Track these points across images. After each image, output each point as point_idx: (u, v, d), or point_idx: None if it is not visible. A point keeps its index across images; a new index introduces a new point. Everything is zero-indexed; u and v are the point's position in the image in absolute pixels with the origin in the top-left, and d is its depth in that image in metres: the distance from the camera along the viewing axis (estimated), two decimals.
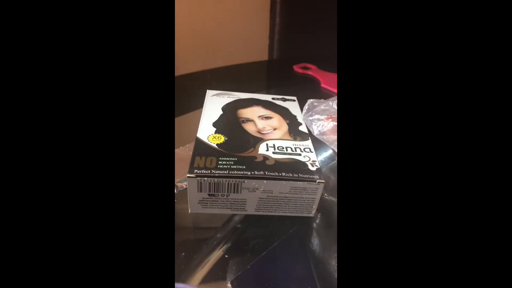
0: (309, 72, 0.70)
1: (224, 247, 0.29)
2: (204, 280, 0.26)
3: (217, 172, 0.27)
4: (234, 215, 0.31)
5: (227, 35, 0.97)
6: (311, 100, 0.43)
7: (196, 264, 0.27)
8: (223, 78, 0.71)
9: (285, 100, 0.42)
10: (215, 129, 0.34)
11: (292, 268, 0.27)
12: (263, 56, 0.95)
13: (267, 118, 0.37)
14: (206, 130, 0.33)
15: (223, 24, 0.96)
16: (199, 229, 0.31)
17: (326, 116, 0.38)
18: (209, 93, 0.43)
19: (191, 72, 0.73)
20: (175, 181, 0.34)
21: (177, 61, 0.97)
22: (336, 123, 0.36)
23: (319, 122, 0.38)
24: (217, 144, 0.31)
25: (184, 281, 0.26)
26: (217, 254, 0.28)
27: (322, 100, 0.42)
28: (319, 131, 0.38)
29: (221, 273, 0.26)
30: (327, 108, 0.40)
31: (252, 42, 0.97)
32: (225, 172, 0.27)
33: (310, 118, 0.40)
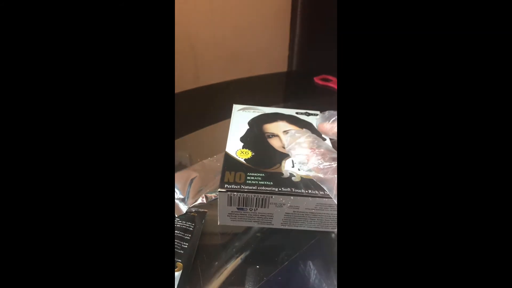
0: (330, 84, 0.71)
1: (244, 255, 0.31)
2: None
3: (246, 187, 0.28)
4: None
5: (247, 46, 0.99)
6: (293, 131, 0.36)
7: (216, 270, 0.29)
8: (245, 90, 0.73)
9: (308, 114, 0.44)
10: (242, 144, 0.35)
11: (314, 279, 0.29)
12: (283, 67, 0.97)
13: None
14: (234, 145, 0.35)
15: (243, 35, 0.98)
16: (223, 235, 0.33)
17: (310, 149, 0.32)
18: (235, 107, 0.44)
19: (213, 83, 0.75)
20: (205, 191, 0.36)
21: (199, 72, 1.00)
22: (321, 159, 0.30)
23: (302, 157, 0.32)
24: (245, 159, 0.33)
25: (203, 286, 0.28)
26: (236, 262, 0.30)
27: (304, 130, 0.37)
28: (307, 168, 0.31)
29: (241, 282, 0.28)
30: (309, 138, 0.34)
31: (272, 53, 0.99)
32: (254, 187, 0.28)
33: (293, 151, 0.33)
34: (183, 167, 0.42)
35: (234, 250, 0.31)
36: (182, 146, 0.48)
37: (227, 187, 0.28)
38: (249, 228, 0.33)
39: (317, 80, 0.74)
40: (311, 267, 0.30)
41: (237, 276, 0.29)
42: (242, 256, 0.31)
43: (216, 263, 0.30)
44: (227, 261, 0.30)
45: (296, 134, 0.35)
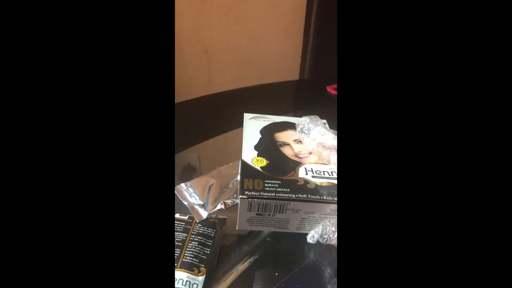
0: None
1: (258, 260, 0.32)
2: None
3: (265, 194, 0.30)
4: None
5: (260, 53, 1.01)
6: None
7: (235, 274, 0.31)
8: (258, 98, 0.74)
9: None
10: (256, 152, 0.37)
11: (327, 286, 0.30)
12: (295, 75, 0.98)
13: (302, 142, 0.40)
14: (249, 153, 0.37)
15: (256, 42, 0.99)
16: (243, 241, 0.35)
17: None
18: (246, 116, 0.46)
19: (226, 89, 0.77)
20: (223, 198, 0.38)
21: (212, 76, 1.02)
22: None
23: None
24: (261, 167, 0.34)
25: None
26: (250, 266, 0.32)
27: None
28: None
29: (254, 286, 0.30)
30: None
31: (285, 61, 1.00)
32: (272, 194, 0.30)
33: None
34: (200, 173, 0.44)
35: (253, 255, 0.33)
36: (199, 152, 0.50)
37: (247, 193, 0.30)
38: (269, 234, 0.35)
39: (329, 89, 0.75)
40: (324, 273, 0.32)
41: (256, 280, 0.30)
42: (260, 260, 0.32)
43: (237, 268, 0.31)
44: (248, 265, 0.32)
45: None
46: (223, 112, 0.67)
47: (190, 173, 0.44)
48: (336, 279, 0.31)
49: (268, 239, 0.34)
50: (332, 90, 0.74)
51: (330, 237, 0.30)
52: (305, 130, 0.38)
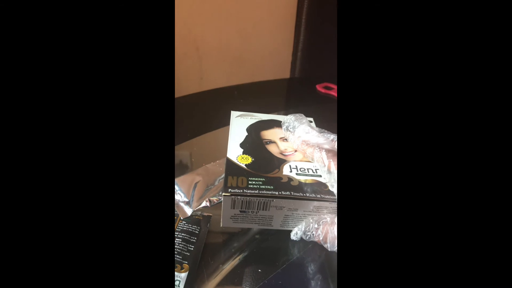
0: (331, 92, 0.73)
1: (246, 257, 0.32)
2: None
3: (248, 191, 0.30)
4: None
5: (251, 51, 1.01)
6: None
7: (220, 272, 0.31)
8: (248, 95, 0.74)
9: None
10: (242, 150, 0.37)
11: (311, 283, 0.31)
12: (286, 73, 0.98)
13: (287, 140, 0.40)
14: (235, 151, 0.37)
15: (247, 40, 0.99)
16: (228, 238, 0.35)
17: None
18: (233, 114, 0.46)
19: (217, 87, 0.77)
20: (209, 195, 0.38)
21: (203, 73, 1.02)
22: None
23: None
24: (245, 165, 0.34)
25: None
26: (239, 264, 0.32)
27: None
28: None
29: (243, 283, 0.30)
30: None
31: (275, 59, 1.01)
32: (256, 191, 0.30)
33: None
34: (187, 170, 0.44)
35: (237, 252, 0.33)
36: (187, 150, 0.50)
37: (230, 191, 0.30)
38: (254, 232, 0.35)
39: (319, 88, 0.75)
40: (309, 270, 0.32)
41: (240, 277, 0.30)
42: (244, 257, 0.32)
43: (221, 265, 0.31)
44: (231, 263, 0.32)
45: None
46: (213, 109, 0.67)
47: (176, 170, 0.44)
48: (319, 276, 0.31)
49: (257, 236, 0.34)
50: (321, 88, 0.75)
51: (313, 234, 0.30)
52: (290, 128, 0.38)
